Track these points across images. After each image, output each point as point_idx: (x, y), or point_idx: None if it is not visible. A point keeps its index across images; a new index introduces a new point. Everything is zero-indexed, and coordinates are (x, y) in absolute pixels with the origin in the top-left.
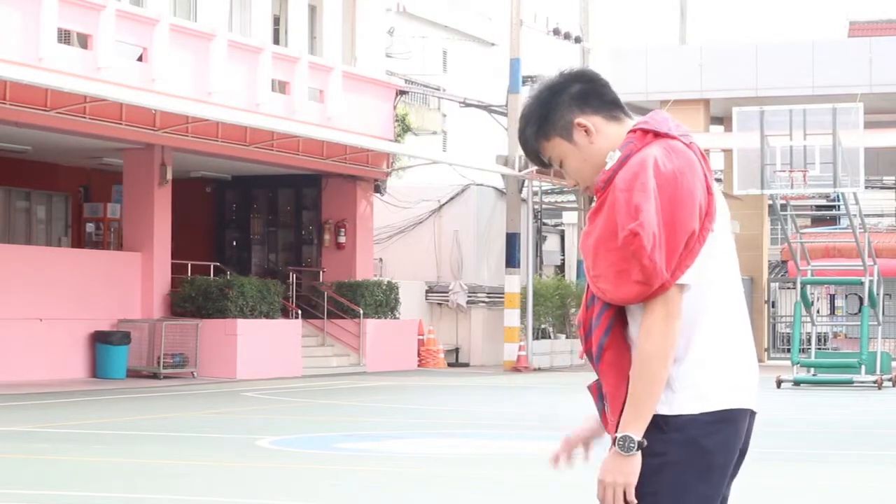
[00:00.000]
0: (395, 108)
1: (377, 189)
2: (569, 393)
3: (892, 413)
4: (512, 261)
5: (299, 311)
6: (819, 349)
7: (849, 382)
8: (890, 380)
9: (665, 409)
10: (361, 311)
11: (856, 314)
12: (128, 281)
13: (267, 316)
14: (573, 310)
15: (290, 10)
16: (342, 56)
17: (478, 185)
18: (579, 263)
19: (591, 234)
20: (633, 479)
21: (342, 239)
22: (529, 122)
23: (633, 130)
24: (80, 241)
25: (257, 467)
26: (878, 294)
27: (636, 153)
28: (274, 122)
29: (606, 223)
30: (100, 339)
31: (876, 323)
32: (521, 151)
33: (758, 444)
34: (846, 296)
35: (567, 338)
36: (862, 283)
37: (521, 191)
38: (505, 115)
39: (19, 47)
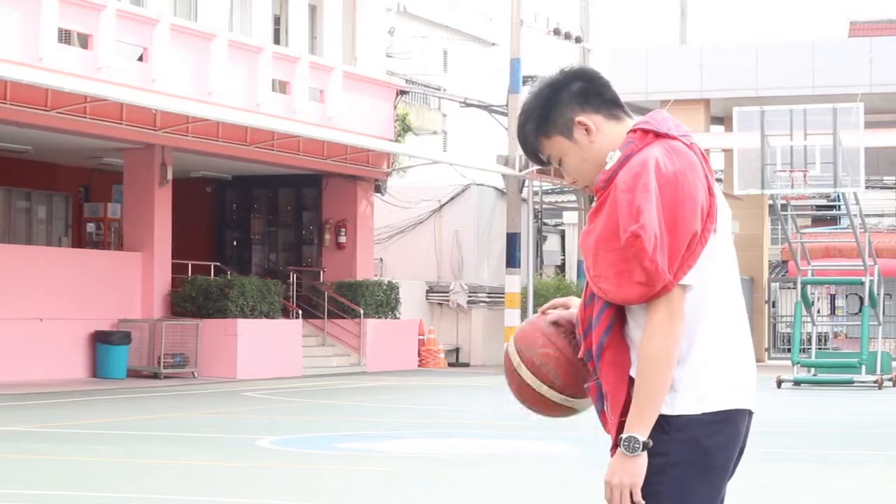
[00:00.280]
0: (395, 107)
1: (377, 189)
2: None
3: (892, 413)
4: (512, 261)
5: (300, 311)
6: (819, 349)
7: (849, 382)
8: (890, 380)
9: (667, 410)
10: (362, 311)
11: (856, 314)
12: (128, 281)
13: (267, 316)
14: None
15: (290, 10)
16: (342, 56)
17: (478, 185)
18: (580, 263)
19: (591, 234)
20: (640, 480)
21: (343, 239)
22: (529, 118)
23: (634, 130)
24: (80, 241)
25: (257, 467)
26: (878, 294)
27: (637, 153)
28: (274, 122)
29: (607, 223)
30: (100, 339)
31: (876, 323)
32: (521, 151)
33: (758, 444)
34: (846, 296)
35: None
36: (862, 283)
37: (521, 191)
38: (505, 115)
39: (19, 47)
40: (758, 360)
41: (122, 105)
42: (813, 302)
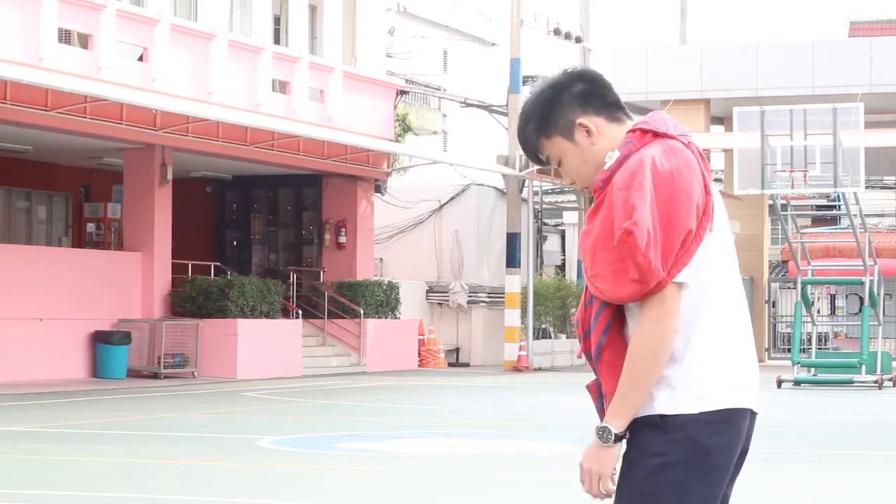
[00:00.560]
0: (395, 107)
1: (378, 189)
2: (569, 393)
3: (892, 413)
4: (512, 261)
5: (300, 311)
6: (819, 349)
7: (849, 382)
8: (890, 380)
9: (665, 409)
10: (362, 311)
11: (856, 314)
12: (128, 281)
13: (267, 316)
14: (573, 310)
15: (290, 10)
16: (342, 56)
17: (478, 184)
18: (580, 263)
19: (589, 234)
20: (608, 470)
21: (343, 239)
22: (531, 119)
23: (633, 130)
24: (80, 241)
25: (257, 467)
26: (878, 294)
27: (635, 153)
28: (274, 122)
29: (604, 223)
30: (100, 339)
31: (876, 323)
32: (521, 151)
33: (758, 444)
34: (847, 296)
35: (567, 338)
36: (862, 283)
37: (521, 191)
38: (505, 115)
39: (19, 47)
40: (758, 360)
41: (122, 105)
42: (813, 302)
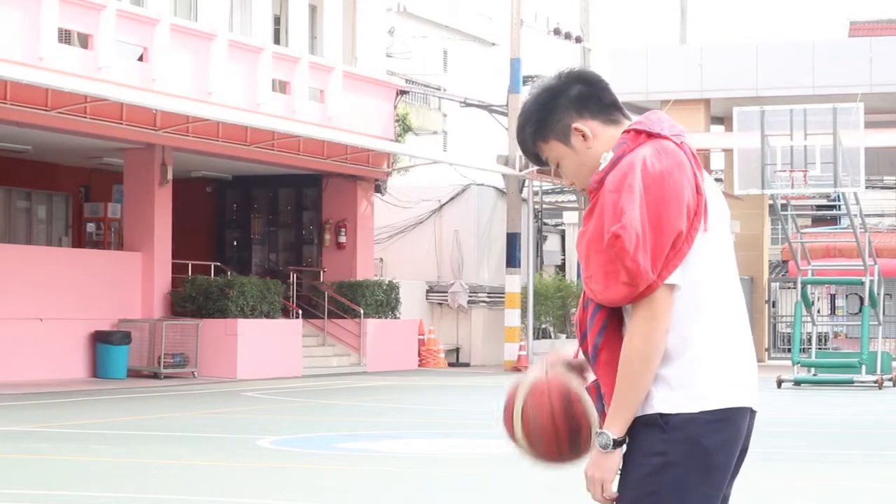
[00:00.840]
0: (395, 107)
1: (378, 189)
2: None
3: (892, 413)
4: (512, 260)
5: (300, 311)
6: (819, 349)
7: (849, 382)
8: (890, 380)
9: (664, 408)
10: (362, 311)
11: (856, 314)
12: (128, 281)
13: (267, 316)
14: (573, 310)
15: (290, 10)
16: (342, 56)
17: (478, 184)
18: (579, 263)
19: (584, 236)
20: (610, 475)
21: (343, 239)
22: (528, 123)
23: (627, 131)
24: (80, 240)
25: (257, 467)
26: (878, 294)
27: (628, 154)
28: (274, 121)
29: (596, 225)
30: (100, 339)
31: (876, 323)
32: (521, 152)
33: (758, 443)
34: (847, 295)
35: (568, 337)
36: (862, 283)
37: (521, 191)
38: (505, 114)
39: (20, 47)
40: (758, 360)
41: (122, 105)
42: (813, 302)
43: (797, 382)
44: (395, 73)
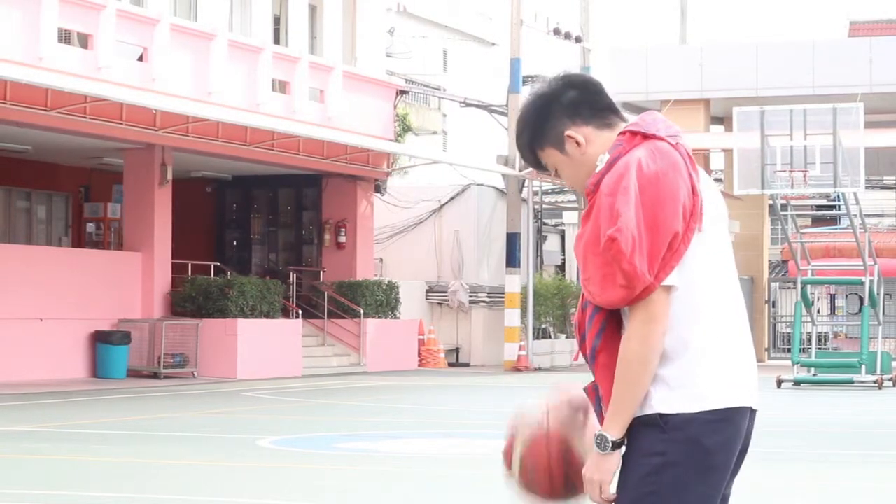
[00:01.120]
0: (395, 107)
1: (377, 189)
2: None
3: (892, 413)
4: (512, 260)
5: (300, 311)
6: (819, 349)
7: (849, 382)
8: (890, 380)
9: (664, 408)
10: (362, 311)
11: (856, 314)
12: (128, 281)
13: (267, 316)
14: (573, 310)
15: (290, 10)
16: (342, 56)
17: (478, 184)
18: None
19: (581, 239)
20: (609, 477)
21: (342, 239)
22: (524, 131)
23: (623, 133)
24: (80, 240)
25: (257, 467)
26: (878, 294)
27: (624, 155)
28: (274, 121)
29: (593, 228)
30: (100, 339)
31: (876, 323)
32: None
33: (758, 444)
34: (846, 295)
35: (567, 338)
36: (862, 283)
37: (521, 190)
38: (505, 114)
39: (20, 47)
40: (758, 360)
41: (122, 105)
42: (813, 302)
43: (797, 382)
44: (395, 73)
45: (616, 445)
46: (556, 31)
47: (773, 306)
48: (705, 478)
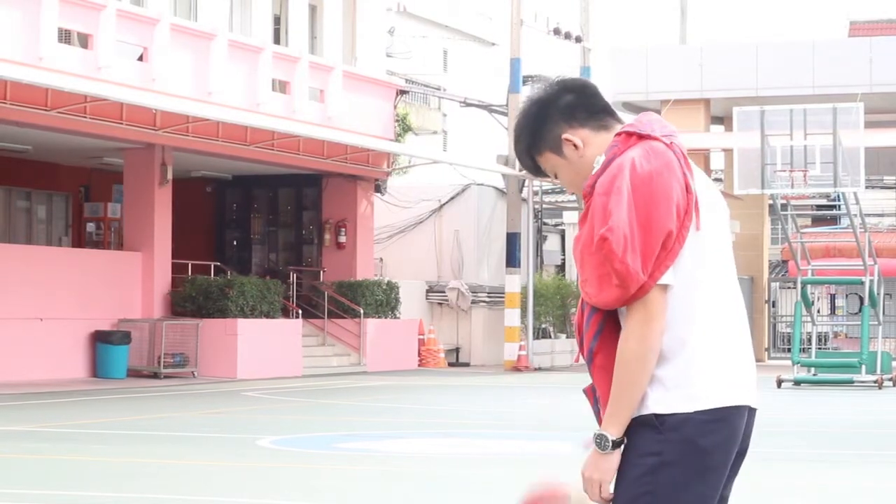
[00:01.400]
0: (395, 107)
1: (378, 189)
2: (569, 393)
3: (892, 413)
4: (512, 260)
5: (300, 311)
6: (819, 349)
7: (849, 382)
8: (890, 379)
9: (660, 408)
10: (362, 311)
11: (856, 314)
12: (128, 281)
13: (267, 316)
14: (573, 310)
15: (290, 10)
16: (342, 56)
17: (478, 184)
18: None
19: (579, 240)
20: (609, 476)
21: (343, 238)
22: (521, 137)
23: (619, 134)
24: (80, 240)
25: (257, 467)
26: (878, 294)
27: (618, 156)
28: (274, 121)
29: (589, 229)
30: (100, 339)
31: (876, 322)
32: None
33: (758, 444)
34: (847, 295)
35: (567, 337)
36: (862, 283)
37: (521, 190)
38: (505, 114)
39: (20, 47)
40: (758, 360)
41: (122, 105)
42: (813, 302)
43: (797, 382)
44: (395, 73)
45: (616, 445)
46: (556, 31)
47: (773, 306)
48: (702, 478)
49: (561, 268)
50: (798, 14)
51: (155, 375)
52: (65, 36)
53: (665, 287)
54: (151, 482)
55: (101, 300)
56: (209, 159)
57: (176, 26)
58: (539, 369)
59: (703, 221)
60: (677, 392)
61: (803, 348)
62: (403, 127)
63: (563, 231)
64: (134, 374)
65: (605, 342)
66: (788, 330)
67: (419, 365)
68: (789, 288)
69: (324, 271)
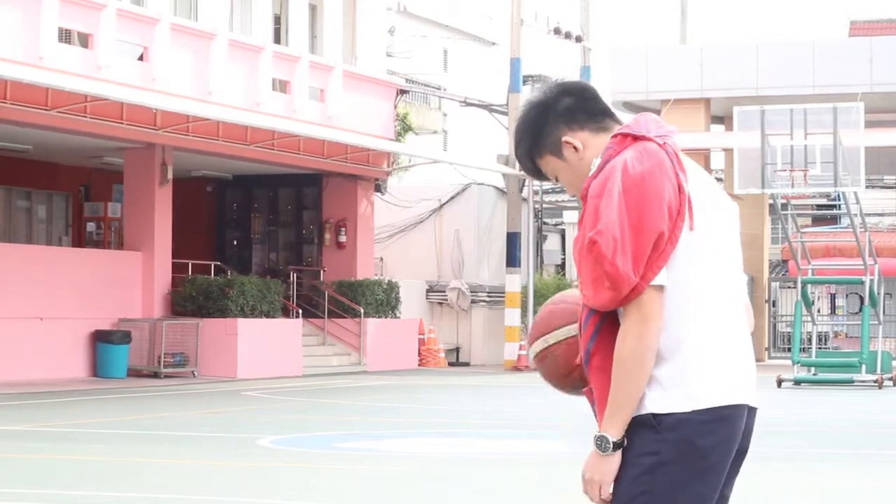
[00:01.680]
0: (395, 107)
1: (378, 188)
2: None
3: (892, 413)
4: (513, 260)
5: (300, 311)
6: (820, 348)
7: (849, 382)
8: (890, 379)
9: (657, 408)
10: (362, 311)
11: (856, 313)
12: (128, 280)
13: (267, 315)
14: None
15: (290, 10)
16: (343, 55)
17: (478, 184)
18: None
19: (576, 242)
20: (610, 478)
21: (343, 238)
22: (521, 141)
23: (615, 136)
24: (80, 240)
25: (257, 466)
26: (878, 293)
27: (613, 158)
28: (274, 121)
29: (582, 232)
30: (100, 339)
31: (876, 322)
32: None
33: (758, 443)
34: (847, 295)
35: None
36: (862, 283)
37: (521, 190)
38: (506, 114)
39: (20, 47)
40: (758, 360)
41: (122, 104)
42: (813, 301)
43: (797, 382)
44: (396, 73)
45: (617, 446)
46: (557, 31)
47: (774, 306)
48: (700, 477)
49: (561, 267)
50: (798, 14)
51: (155, 375)
52: (65, 35)
53: (660, 287)
54: (151, 482)
55: (101, 300)
56: (209, 159)
57: (176, 26)
58: None
59: (699, 221)
60: (675, 392)
61: (803, 348)
62: (404, 126)
63: (563, 231)
64: (134, 373)
65: (602, 344)
66: (788, 329)
67: (419, 365)
68: (789, 287)
69: (324, 271)
